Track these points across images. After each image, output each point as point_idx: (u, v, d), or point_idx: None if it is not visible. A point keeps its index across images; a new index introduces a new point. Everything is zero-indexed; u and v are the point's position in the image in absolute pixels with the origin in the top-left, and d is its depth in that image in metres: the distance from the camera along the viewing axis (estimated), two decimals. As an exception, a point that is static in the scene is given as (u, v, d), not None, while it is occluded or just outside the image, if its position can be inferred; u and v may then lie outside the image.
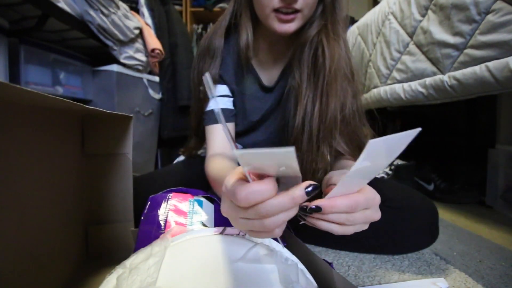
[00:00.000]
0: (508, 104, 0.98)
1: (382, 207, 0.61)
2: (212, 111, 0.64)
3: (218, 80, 0.64)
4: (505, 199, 0.93)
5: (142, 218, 0.48)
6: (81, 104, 0.36)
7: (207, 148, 0.63)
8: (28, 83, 0.86)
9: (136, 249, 0.46)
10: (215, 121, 0.63)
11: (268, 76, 0.66)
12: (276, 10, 0.50)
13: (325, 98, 0.53)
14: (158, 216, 0.49)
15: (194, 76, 0.65)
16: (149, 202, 0.50)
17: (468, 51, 0.72)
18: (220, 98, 0.65)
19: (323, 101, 0.53)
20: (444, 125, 1.40)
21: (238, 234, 0.39)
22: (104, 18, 1.00)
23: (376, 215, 0.31)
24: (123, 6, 1.15)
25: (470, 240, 0.72)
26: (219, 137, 0.62)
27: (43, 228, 0.41)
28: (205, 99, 0.63)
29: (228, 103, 0.66)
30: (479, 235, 0.75)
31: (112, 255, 0.55)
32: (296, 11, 0.51)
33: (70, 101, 0.31)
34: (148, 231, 0.46)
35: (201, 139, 0.71)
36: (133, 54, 1.23)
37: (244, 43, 0.59)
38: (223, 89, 0.65)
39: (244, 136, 0.72)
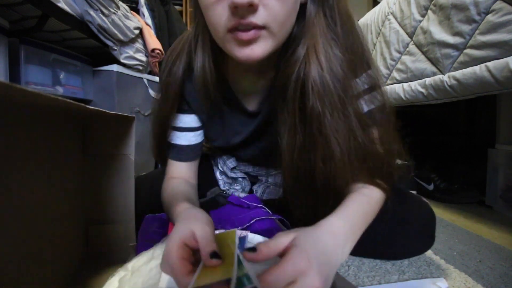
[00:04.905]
0: (508, 104, 0.99)
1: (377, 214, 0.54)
2: (176, 146, 0.56)
3: (184, 109, 0.56)
4: (505, 199, 0.93)
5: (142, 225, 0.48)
6: (83, 105, 0.36)
7: (166, 171, 0.58)
8: (28, 83, 0.86)
9: (137, 248, 0.46)
10: (181, 159, 0.57)
11: (252, 100, 0.55)
12: (233, 30, 0.36)
13: (323, 140, 0.40)
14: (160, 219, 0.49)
15: (163, 83, 0.53)
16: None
17: (468, 51, 0.72)
18: (183, 134, 0.57)
19: (320, 145, 0.41)
20: (444, 125, 1.40)
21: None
22: (104, 18, 1.00)
23: (315, 283, 0.26)
24: (123, 6, 1.16)
25: (469, 240, 0.72)
26: (181, 171, 0.57)
27: (43, 227, 0.41)
28: (169, 115, 0.54)
29: (193, 139, 0.57)
30: (478, 235, 0.75)
31: (113, 255, 0.55)
32: (258, 27, 0.36)
33: (72, 101, 0.31)
34: (149, 230, 0.46)
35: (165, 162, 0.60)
36: (133, 54, 1.23)
37: (199, 78, 0.47)
38: (189, 120, 0.57)
39: (239, 151, 0.64)
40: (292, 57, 0.42)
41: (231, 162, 0.68)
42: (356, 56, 0.43)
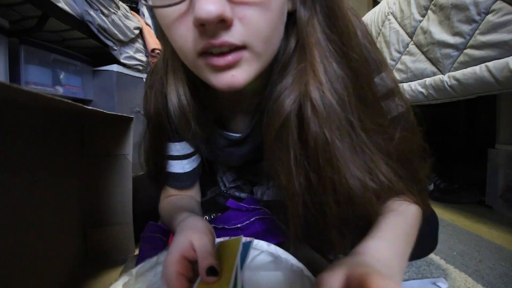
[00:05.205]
0: (508, 104, 0.99)
1: None
2: (170, 174, 0.52)
3: (173, 138, 0.50)
4: (505, 199, 0.93)
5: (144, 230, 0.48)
6: (81, 105, 0.36)
7: (162, 193, 0.54)
8: (28, 83, 0.86)
9: (141, 249, 0.46)
10: (177, 187, 0.53)
11: (240, 122, 0.48)
12: (205, 54, 0.29)
13: (336, 175, 0.32)
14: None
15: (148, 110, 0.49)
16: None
17: (468, 51, 0.72)
18: (176, 162, 0.52)
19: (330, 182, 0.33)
20: (444, 125, 1.40)
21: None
22: (104, 18, 1.00)
23: None
24: (123, 6, 1.16)
25: (469, 240, 0.72)
26: (180, 193, 0.53)
27: (41, 228, 0.41)
28: (164, 145, 0.50)
29: (187, 166, 0.52)
30: (478, 235, 0.75)
31: (111, 257, 0.55)
32: (236, 47, 0.28)
33: (70, 101, 0.31)
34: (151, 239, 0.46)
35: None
36: (133, 54, 1.23)
37: (177, 113, 0.41)
38: (180, 147, 0.51)
39: (236, 169, 0.60)
40: (283, 79, 0.34)
41: (231, 175, 0.65)
42: (363, 64, 0.35)
